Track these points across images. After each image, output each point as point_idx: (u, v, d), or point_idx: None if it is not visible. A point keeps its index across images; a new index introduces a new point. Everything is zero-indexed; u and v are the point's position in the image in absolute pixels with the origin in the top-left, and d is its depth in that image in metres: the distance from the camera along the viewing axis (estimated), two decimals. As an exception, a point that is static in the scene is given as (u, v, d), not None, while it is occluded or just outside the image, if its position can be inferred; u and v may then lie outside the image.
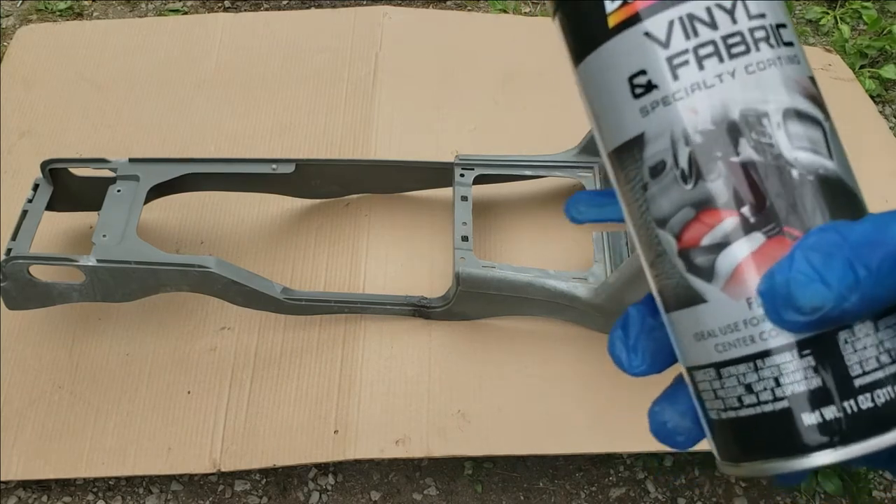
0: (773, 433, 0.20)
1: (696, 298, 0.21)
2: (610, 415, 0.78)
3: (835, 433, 0.19)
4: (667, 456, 0.85)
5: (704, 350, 0.21)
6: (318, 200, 0.93)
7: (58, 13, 1.28)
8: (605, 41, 0.21)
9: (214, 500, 0.81)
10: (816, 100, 0.21)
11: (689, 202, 0.20)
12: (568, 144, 0.90)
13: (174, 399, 0.79)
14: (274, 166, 0.84)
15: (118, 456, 0.76)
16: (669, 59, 0.20)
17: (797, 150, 0.20)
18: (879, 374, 0.19)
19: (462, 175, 0.87)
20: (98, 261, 0.73)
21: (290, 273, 0.88)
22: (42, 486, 0.80)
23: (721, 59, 0.20)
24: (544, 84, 1.04)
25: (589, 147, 0.89)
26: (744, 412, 0.21)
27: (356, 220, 0.92)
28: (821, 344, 0.19)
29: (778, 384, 0.20)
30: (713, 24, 0.20)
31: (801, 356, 0.20)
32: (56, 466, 0.76)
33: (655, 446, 0.77)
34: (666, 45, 0.20)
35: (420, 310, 0.83)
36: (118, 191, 0.80)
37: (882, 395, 0.19)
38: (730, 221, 0.20)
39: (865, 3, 1.36)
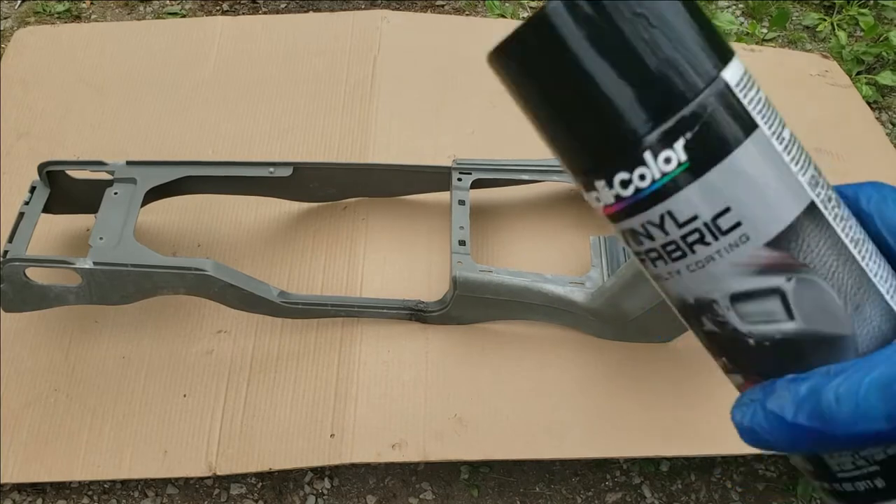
0: None
1: None
2: (607, 420, 0.78)
3: None
4: (663, 461, 0.85)
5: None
6: (315, 204, 0.93)
7: (56, 15, 1.28)
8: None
9: (210, 504, 0.81)
10: (774, 266, 0.22)
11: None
12: (565, 149, 0.90)
13: (170, 402, 0.79)
14: (271, 169, 0.84)
15: (114, 459, 0.76)
16: (638, 255, 0.23)
17: (749, 325, 0.22)
18: None
19: (459, 179, 0.87)
20: (95, 263, 0.73)
21: (287, 276, 0.88)
22: (37, 488, 0.80)
23: (666, 262, 0.22)
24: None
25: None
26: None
27: (353, 224, 0.92)
28: None
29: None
30: (650, 237, 0.22)
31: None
32: (51, 469, 0.76)
33: (652, 451, 0.77)
34: (628, 245, 0.24)
35: (417, 314, 0.83)
36: (115, 193, 0.80)
37: None
38: (721, 362, 0.24)
39: (862, 10, 1.37)
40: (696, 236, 0.22)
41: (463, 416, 0.78)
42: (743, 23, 1.36)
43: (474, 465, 0.84)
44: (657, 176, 0.21)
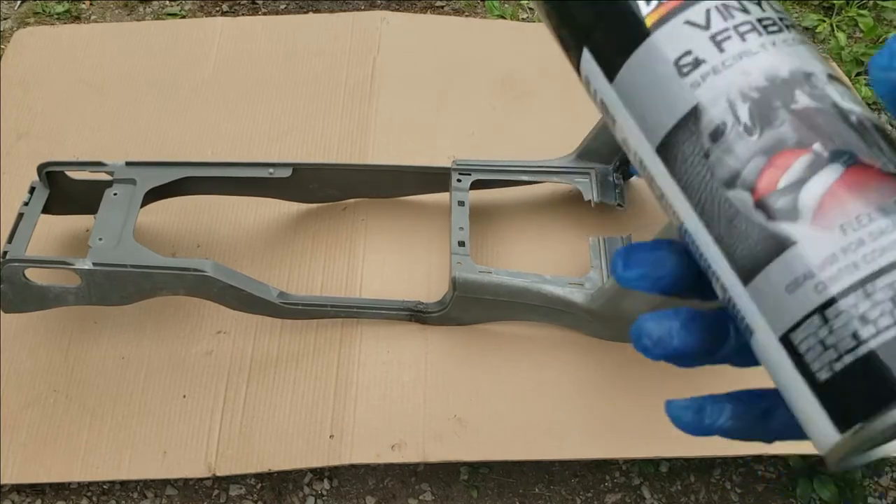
0: None
1: (782, 245, 0.20)
2: (606, 420, 0.78)
3: None
4: (662, 462, 0.85)
5: (803, 298, 0.20)
6: (314, 204, 0.93)
7: (55, 16, 1.28)
8: (645, 39, 0.22)
9: (209, 505, 0.81)
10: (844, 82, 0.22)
11: (759, 151, 0.21)
12: (565, 150, 0.91)
13: (170, 403, 0.79)
14: (271, 170, 0.84)
15: (113, 460, 0.76)
16: (713, 37, 0.21)
17: (848, 102, 0.21)
18: None
19: (459, 180, 0.87)
20: (94, 264, 0.73)
21: (287, 277, 0.88)
22: (36, 489, 0.80)
23: (760, 34, 0.21)
24: (542, 89, 1.05)
25: (586, 153, 0.89)
26: (863, 349, 0.19)
27: (353, 225, 0.92)
28: None
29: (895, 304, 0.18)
30: (745, 10, 0.21)
31: None
32: (51, 470, 0.76)
33: (651, 452, 0.77)
34: (707, 27, 0.21)
35: (416, 314, 0.83)
36: (115, 194, 0.79)
37: None
38: (805, 158, 0.20)
39: (862, 11, 1.37)
40: (789, 21, 0.22)
41: (462, 417, 0.78)
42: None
43: (474, 466, 0.84)
44: None
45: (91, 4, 1.30)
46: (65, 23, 1.27)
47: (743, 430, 0.23)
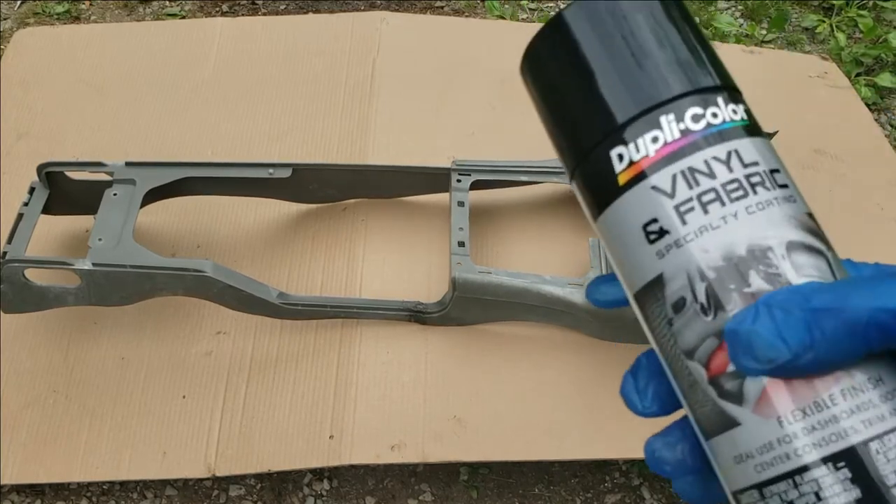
0: None
1: (730, 422, 0.22)
2: (606, 421, 0.78)
3: None
4: None
5: (745, 472, 0.22)
6: (314, 205, 0.93)
7: (55, 16, 1.28)
8: (618, 197, 0.23)
9: (209, 505, 0.81)
10: (816, 233, 0.23)
11: (712, 332, 0.22)
12: (565, 150, 0.90)
13: (169, 403, 0.79)
14: (271, 170, 0.84)
15: (113, 460, 0.76)
16: (677, 207, 0.22)
17: (803, 277, 0.21)
18: None
19: (459, 180, 0.87)
20: (94, 264, 0.73)
21: (287, 277, 0.88)
22: (36, 490, 0.80)
23: (723, 204, 0.22)
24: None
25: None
26: None
27: (353, 225, 0.92)
28: (854, 456, 0.20)
29: (819, 498, 0.20)
30: (712, 175, 0.22)
31: (837, 469, 0.20)
32: (50, 470, 0.76)
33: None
34: (672, 195, 0.22)
35: (416, 315, 0.83)
36: (115, 194, 0.79)
37: None
38: None
39: (861, 12, 1.37)
40: (758, 178, 0.22)
41: (462, 418, 0.78)
42: (742, 24, 1.37)
43: (473, 467, 0.84)
44: (727, 119, 0.23)
45: (91, 5, 1.30)
46: (65, 23, 1.27)
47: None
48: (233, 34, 1.12)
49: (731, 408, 0.21)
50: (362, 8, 1.32)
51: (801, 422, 0.21)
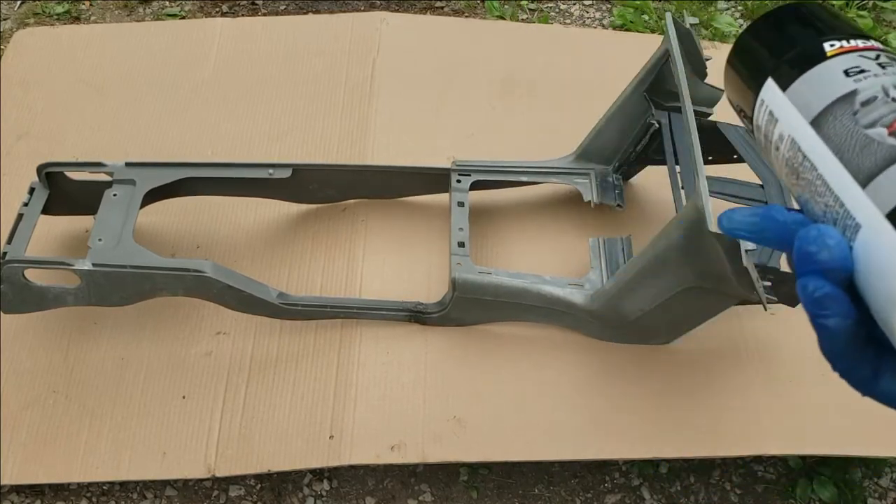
0: None
1: None
2: (605, 421, 0.78)
3: None
4: (662, 462, 0.85)
5: None
6: (314, 205, 0.93)
7: (55, 17, 1.28)
8: (826, 60, 0.32)
9: (209, 506, 0.81)
10: None
11: None
12: (564, 151, 0.91)
13: (169, 403, 0.79)
14: (271, 171, 0.84)
15: (112, 460, 0.76)
16: (879, 63, 0.31)
17: None
18: None
19: (459, 181, 0.87)
20: (94, 265, 0.73)
21: (287, 278, 0.88)
22: (35, 490, 0.80)
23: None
24: (541, 90, 1.05)
25: (585, 153, 0.89)
26: None
27: (353, 225, 0.92)
28: None
29: None
30: (889, 61, 0.32)
31: None
32: (50, 470, 0.76)
33: (651, 453, 0.77)
34: (876, 58, 0.31)
35: (416, 315, 0.83)
36: (114, 195, 0.79)
37: None
38: None
39: (861, 12, 1.37)
40: None
41: (462, 418, 0.78)
42: (742, 24, 1.37)
43: (473, 467, 0.84)
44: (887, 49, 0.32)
45: (91, 5, 1.30)
46: (65, 23, 1.27)
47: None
48: (233, 34, 1.12)
49: None
50: (362, 8, 1.32)
51: None
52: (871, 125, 0.30)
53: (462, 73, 1.08)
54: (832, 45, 0.33)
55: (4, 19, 1.27)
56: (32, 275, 0.75)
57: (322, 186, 0.89)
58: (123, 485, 0.81)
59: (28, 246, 0.76)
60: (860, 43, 0.33)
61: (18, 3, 1.29)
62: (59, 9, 1.28)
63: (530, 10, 1.33)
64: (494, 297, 0.79)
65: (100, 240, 0.75)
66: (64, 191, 0.83)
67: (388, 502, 0.82)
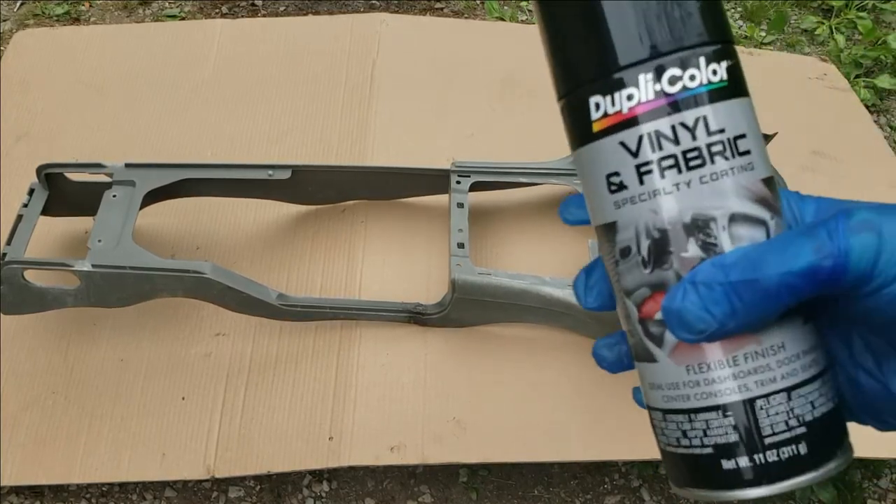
0: (701, 470, 0.26)
1: (650, 357, 0.26)
2: (605, 422, 0.78)
3: (747, 477, 0.24)
4: (662, 464, 0.85)
5: (656, 397, 0.27)
6: (314, 206, 0.93)
7: (55, 18, 1.28)
8: (591, 142, 0.25)
9: (208, 507, 0.81)
10: (765, 200, 0.24)
11: (647, 283, 0.25)
12: (564, 152, 0.91)
13: (168, 405, 0.79)
14: (270, 172, 0.84)
15: (112, 461, 0.76)
16: (637, 167, 0.24)
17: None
18: (786, 435, 0.24)
19: (458, 182, 0.87)
20: (93, 266, 0.73)
21: (286, 279, 0.88)
22: (35, 491, 0.80)
23: (679, 171, 0.24)
24: (541, 91, 1.05)
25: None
26: (681, 450, 0.26)
27: (352, 227, 0.92)
28: (741, 408, 0.24)
29: (706, 434, 0.25)
30: (675, 141, 0.24)
31: (724, 416, 0.24)
32: (50, 472, 0.76)
33: (651, 454, 0.77)
34: (635, 154, 0.24)
35: (416, 316, 0.83)
36: (114, 196, 0.79)
37: (786, 452, 0.24)
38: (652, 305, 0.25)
39: (861, 13, 1.37)
40: (719, 147, 0.24)
41: (462, 419, 0.78)
42: (741, 26, 1.37)
43: (473, 468, 0.84)
44: (705, 81, 0.23)
45: (90, 6, 1.30)
46: (64, 24, 1.27)
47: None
48: (233, 35, 1.12)
49: (652, 347, 0.25)
50: (362, 9, 1.32)
51: (703, 373, 0.24)
52: (628, 293, 0.26)
53: (462, 73, 1.08)
54: (596, 106, 0.25)
55: (4, 20, 1.27)
56: (32, 276, 0.75)
57: (322, 187, 0.89)
58: (123, 486, 0.81)
59: (27, 247, 0.76)
60: (641, 95, 0.24)
61: (18, 4, 1.29)
62: (59, 10, 1.28)
63: (529, 10, 1.33)
64: (494, 298, 0.79)
65: (99, 241, 0.75)
66: (63, 192, 0.83)
67: (387, 503, 0.82)
